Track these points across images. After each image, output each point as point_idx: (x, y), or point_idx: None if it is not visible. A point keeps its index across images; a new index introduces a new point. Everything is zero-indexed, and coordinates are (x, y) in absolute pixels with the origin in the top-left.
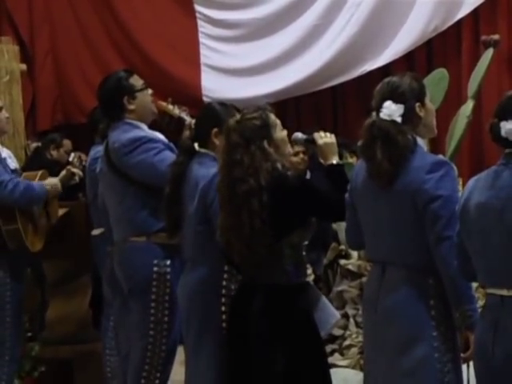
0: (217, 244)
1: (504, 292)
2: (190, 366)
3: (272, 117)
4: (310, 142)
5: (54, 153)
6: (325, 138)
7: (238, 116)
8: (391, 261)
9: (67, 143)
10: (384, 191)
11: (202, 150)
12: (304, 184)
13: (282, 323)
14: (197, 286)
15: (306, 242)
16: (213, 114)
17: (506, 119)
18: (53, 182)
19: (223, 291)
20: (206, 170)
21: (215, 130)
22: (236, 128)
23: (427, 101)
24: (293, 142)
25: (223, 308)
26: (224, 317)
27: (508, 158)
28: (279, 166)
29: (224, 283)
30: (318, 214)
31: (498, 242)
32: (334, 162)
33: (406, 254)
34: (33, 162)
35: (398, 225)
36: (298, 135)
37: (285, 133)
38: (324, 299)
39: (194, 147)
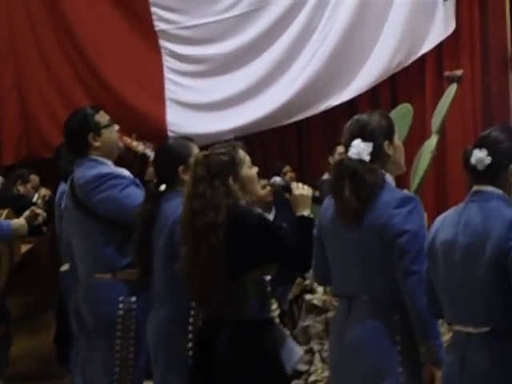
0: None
1: (470, 329)
2: None
3: (241, 154)
4: (286, 190)
5: (21, 188)
6: (301, 189)
7: (208, 150)
8: (358, 296)
9: (34, 178)
10: (352, 226)
11: (170, 190)
12: (266, 225)
13: (247, 359)
14: (164, 322)
15: (269, 277)
16: (174, 153)
17: (480, 148)
18: (20, 222)
19: (190, 328)
20: (174, 207)
21: (181, 167)
22: (203, 162)
23: (396, 138)
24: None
25: (189, 344)
26: (190, 353)
27: (475, 196)
28: (243, 203)
29: (191, 320)
30: (279, 261)
31: (463, 279)
32: (305, 213)
33: (373, 289)
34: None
35: (365, 260)
36: (277, 180)
37: (254, 171)
38: (288, 336)
39: (159, 191)
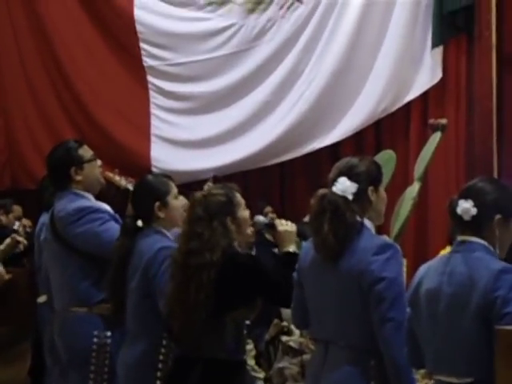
0: (157, 318)
1: (453, 379)
2: None
3: (238, 196)
4: (270, 227)
5: (3, 218)
6: (285, 225)
7: (204, 190)
8: (335, 340)
9: (17, 209)
10: (330, 271)
11: (146, 226)
12: (256, 264)
13: None
14: (134, 358)
15: (248, 322)
16: (151, 189)
17: (466, 198)
18: None
19: (160, 365)
20: (150, 244)
21: (157, 203)
22: (201, 201)
23: (381, 188)
24: (253, 224)
25: (158, 382)
26: None
27: (459, 246)
28: (236, 244)
29: (161, 357)
30: (266, 295)
31: (447, 329)
32: (291, 250)
33: (350, 335)
34: None
35: (343, 305)
36: (260, 218)
37: (247, 213)
38: (257, 382)
39: (136, 227)
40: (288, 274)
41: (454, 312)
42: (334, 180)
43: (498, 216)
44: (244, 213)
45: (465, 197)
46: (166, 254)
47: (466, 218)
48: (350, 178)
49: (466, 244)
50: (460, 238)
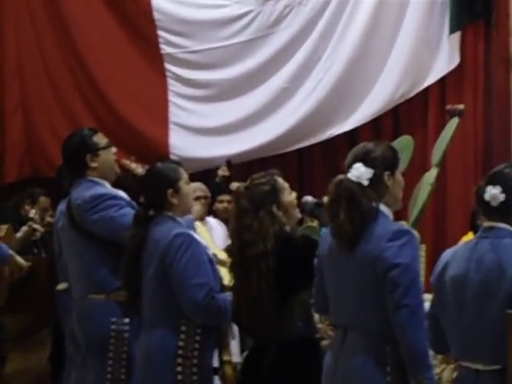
0: (175, 304)
1: (479, 366)
2: None
3: (280, 181)
4: (320, 206)
5: (28, 208)
6: None
7: (247, 182)
8: (352, 326)
9: (44, 201)
10: (347, 257)
11: (159, 214)
12: (310, 243)
13: (293, 378)
14: (153, 345)
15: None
16: (162, 177)
17: (494, 184)
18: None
19: (180, 351)
20: (165, 232)
21: (170, 190)
22: (245, 194)
23: (397, 173)
24: (303, 205)
25: (179, 368)
26: (180, 377)
27: (487, 232)
28: (287, 228)
29: (181, 344)
30: None
31: (474, 316)
32: None
33: (367, 320)
34: (7, 215)
35: (359, 290)
36: (308, 199)
37: (293, 196)
38: None
39: (148, 216)
40: None
41: (483, 299)
42: (350, 166)
43: None
44: (289, 197)
45: (492, 183)
46: (182, 240)
47: (494, 204)
48: (366, 164)
49: (493, 230)
50: (487, 224)
